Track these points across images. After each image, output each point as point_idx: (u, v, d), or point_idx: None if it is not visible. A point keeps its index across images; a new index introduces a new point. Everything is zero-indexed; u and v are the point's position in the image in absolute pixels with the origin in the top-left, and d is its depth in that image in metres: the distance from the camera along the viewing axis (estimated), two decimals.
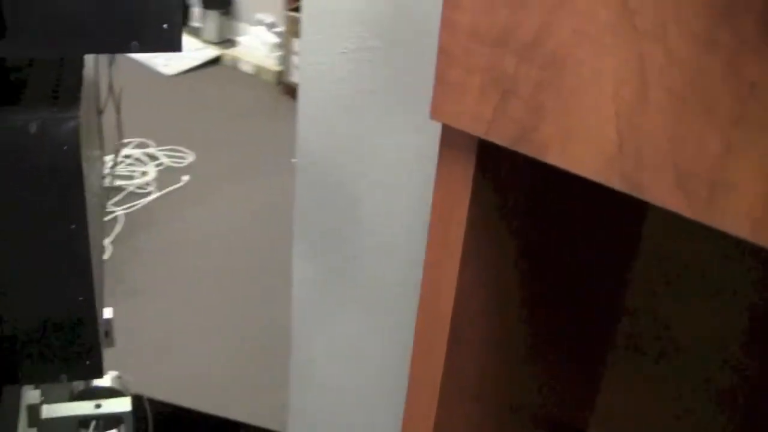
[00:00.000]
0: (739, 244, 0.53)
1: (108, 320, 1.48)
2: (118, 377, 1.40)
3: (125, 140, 3.75)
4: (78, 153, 0.83)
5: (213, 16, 5.07)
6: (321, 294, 1.60)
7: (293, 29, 4.28)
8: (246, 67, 4.84)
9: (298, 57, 1.54)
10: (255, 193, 3.43)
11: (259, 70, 4.77)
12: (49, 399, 1.26)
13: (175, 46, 0.82)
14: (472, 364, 0.84)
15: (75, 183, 0.85)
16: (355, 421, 1.66)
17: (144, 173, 3.57)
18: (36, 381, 1.06)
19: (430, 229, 0.75)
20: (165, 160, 3.70)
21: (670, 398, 1.13)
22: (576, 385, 1.10)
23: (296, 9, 3.71)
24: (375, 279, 1.50)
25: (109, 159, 3.57)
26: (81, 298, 0.90)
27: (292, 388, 1.74)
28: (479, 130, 0.65)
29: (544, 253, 0.86)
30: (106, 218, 3.20)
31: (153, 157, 3.70)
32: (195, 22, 5.25)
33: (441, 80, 0.65)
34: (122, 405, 1.30)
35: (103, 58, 1.35)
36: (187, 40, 5.07)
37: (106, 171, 3.46)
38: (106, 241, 3.05)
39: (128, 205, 3.32)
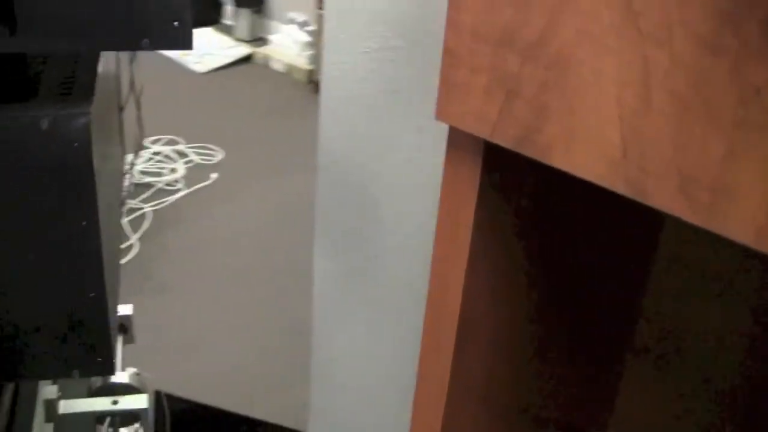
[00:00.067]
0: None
1: (128, 317, 1.49)
2: (137, 374, 1.40)
3: (155, 137, 3.78)
4: (89, 150, 0.83)
5: (245, 14, 5.10)
6: (342, 293, 1.60)
7: None
8: (277, 66, 4.86)
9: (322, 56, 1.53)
10: (283, 192, 3.43)
11: (291, 68, 4.78)
12: (66, 394, 1.26)
13: (185, 45, 0.81)
14: (480, 365, 0.83)
15: (86, 180, 0.85)
16: (375, 421, 1.65)
17: (173, 170, 3.59)
18: (48, 376, 1.07)
19: (437, 231, 0.74)
20: (194, 158, 3.72)
21: (687, 404, 1.12)
22: (590, 389, 1.08)
23: None
24: (395, 278, 1.49)
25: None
26: (92, 295, 0.90)
27: (313, 387, 1.74)
28: (484, 132, 0.64)
29: (555, 255, 0.85)
30: (134, 215, 3.23)
31: (182, 155, 3.72)
32: (227, 20, 5.28)
33: (446, 81, 0.65)
34: (139, 402, 1.30)
35: (125, 54, 1.35)
36: (219, 38, 5.11)
37: (131, 167, 3.48)
38: (134, 238, 3.07)
39: (157, 202, 3.34)
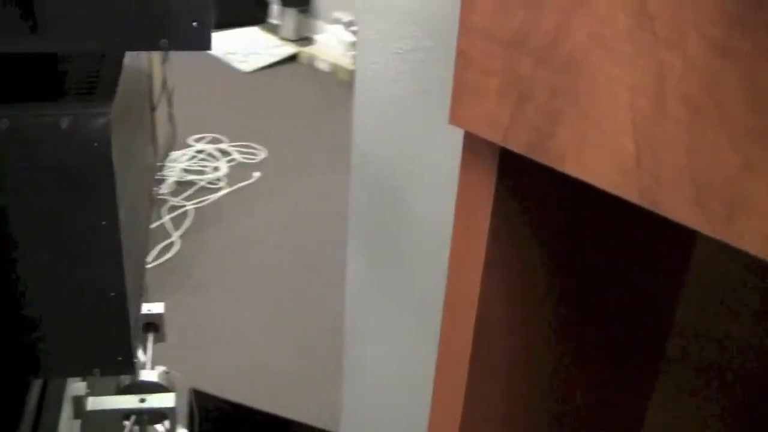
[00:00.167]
0: None
1: (159, 315, 1.49)
2: (166, 372, 1.40)
3: (198, 135, 3.81)
4: (109, 150, 0.83)
5: (291, 13, 5.12)
6: (373, 293, 1.59)
7: None
8: (322, 65, 4.87)
9: (355, 57, 1.53)
10: (325, 191, 3.43)
11: (335, 68, 4.78)
12: (95, 391, 1.27)
13: (204, 45, 0.81)
14: (499, 375, 0.81)
15: (105, 180, 0.85)
16: (406, 421, 1.64)
17: (216, 169, 3.61)
18: (68, 374, 1.07)
19: (453, 237, 0.72)
20: (237, 156, 3.73)
21: (720, 417, 1.09)
22: (618, 403, 1.06)
23: None
24: (426, 279, 1.48)
25: (179, 154, 3.63)
26: (112, 294, 0.90)
27: (345, 387, 1.74)
28: (497, 137, 0.62)
29: (579, 264, 0.83)
30: (175, 213, 3.25)
31: (225, 153, 3.75)
32: (273, 20, 5.30)
33: (459, 84, 0.63)
34: (167, 401, 1.30)
35: (158, 53, 1.36)
36: (264, 37, 5.13)
37: (180, 165, 3.51)
38: (175, 235, 3.09)
39: (199, 200, 3.36)
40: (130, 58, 1.08)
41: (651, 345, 1.08)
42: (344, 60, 4.75)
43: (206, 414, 1.91)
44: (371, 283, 1.59)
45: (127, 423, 1.27)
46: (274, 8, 5.33)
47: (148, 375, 1.35)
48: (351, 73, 4.68)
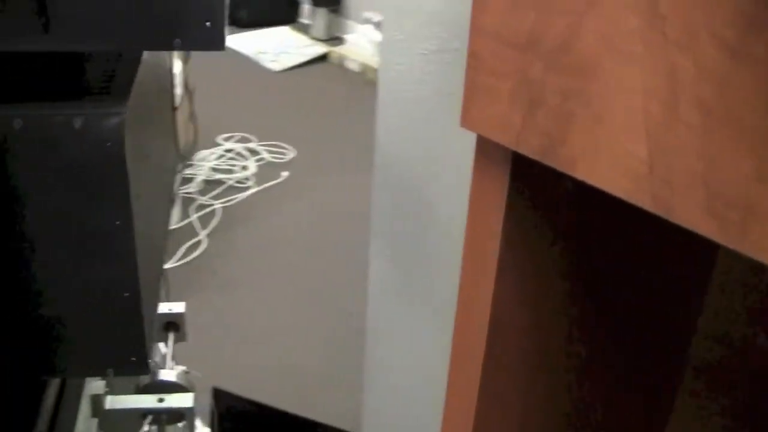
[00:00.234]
0: None
1: (180, 315, 1.49)
2: (186, 372, 1.40)
3: (227, 134, 3.82)
4: (122, 149, 0.83)
5: (322, 13, 5.12)
6: (395, 294, 1.58)
7: None
8: (352, 66, 4.86)
9: (379, 57, 1.52)
10: (354, 191, 3.42)
11: (366, 68, 4.77)
12: (114, 390, 1.27)
13: (217, 45, 0.80)
14: (513, 382, 0.80)
15: (119, 180, 0.84)
16: (427, 422, 1.63)
17: (244, 168, 3.62)
18: (81, 374, 1.07)
19: (465, 242, 0.71)
20: (266, 156, 3.74)
21: (743, 427, 1.06)
22: (639, 412, 1.04)
23: None
24: (449, 281, 1.46)
25: (208, 152, 3.64)
26: (126, 295, 0.90)
27: (366, 388, 1.73)
28: (509, 140, 0.61)
29: (598, 269, 0.81)
30: (203, 211, 3.25)
31: (254, 152, 3.75)
32: (304, 19, 5.30)
33: (470, 86, 0.62)
34: (185, 401, 1.30)
35: (179, 53, 1.36)
36: (295, 36, 5.14)
37: (208, 164, 3.52)
38: (202, 234, 3.10)
39: (226, 199, 3.36)
40: (150, 57, 1.08)
41: (672, 351, 1.06)
42: (374, 60, 4.74)
43: (227, 414, 1.91)
44: (393, 283, 1.59)
45: (145, 422, 1.27)
46: (305, 8, 5.34)
47: (167, 375, 1.35)
48: None
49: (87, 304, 0.90)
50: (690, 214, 0.51)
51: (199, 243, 3.05)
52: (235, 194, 3.42)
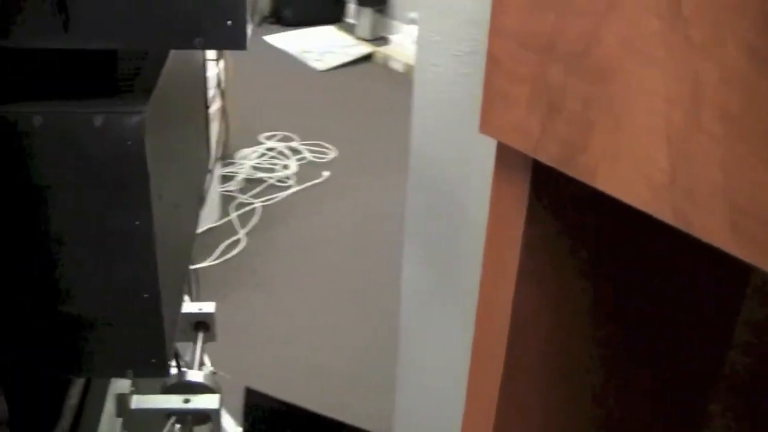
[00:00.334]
0: None
1: (210, 315, 1.48)
2: (213, 373, 1.39)
3: (270, 133, 3.82)
4: (142, 148, 0.82)
5: (367, 13, 5.10)
6: (428, 295, 1.57)
7: None
8: (396, 66, 4.84)
9: (415, 58, 1.51)
10: (394, 192, 3.39)
11: (409, 69, 4.74)
12: (140, 389, 1.27)
13: (239, 44, 0.79)
14: (535, 392, 0.77)
15: (139, 179, 0.83)
16: (459, 424, 1.61)
17: (285, 167, 3.62)
18: (101, 375, 1.07)
19: (485, 249, 0.69)
20: (307, 155, 3.73)
21: None
22: (669, 426, 1.01)
23: None
24: (479, 283, 1.44)
25: (250, 151, 3.65)
26: (146, 296, 0.89)
27: (398, 389, 1.71)
28: (528, 148, 0.58)
29: (619, 278, 0.78)
30: (243, 210, 3.26)
31: (296, 151, 3.75)
32: (350, 19, 5.30)
33: (489, 90, 0.60)
34: (211, 402, 1.29)
35: (211, 53, 1.35)
36: (340, 36, 5.13)
37: (249, 162, 3.52)
38: (242, 233, 3.10)
39: (267, 198, 3.36)
40: (180, 55, 1.07)
41: (705, 363, 1.03)
42: None
43: (260, 413, 1.91)
44: (426, 284, 1.57)
45: (168, 423, 1.26)
46: (351, 7, 5.33)
47: (194, 375, 1.35)
48: None
49: (106, 304, 0.89)
50: (711, 229, 0.48)
51: (238, 241, 3.06)
52: (276, 193, 3.42)
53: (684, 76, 0.47)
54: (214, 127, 1.34)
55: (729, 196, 0.46)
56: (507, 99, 0.59)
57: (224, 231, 3.10)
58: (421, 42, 1.44)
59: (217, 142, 1.29)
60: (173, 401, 1.27)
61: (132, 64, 0.92)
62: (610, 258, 0.74)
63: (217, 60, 1.31)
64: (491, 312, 0.71)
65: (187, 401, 1.27)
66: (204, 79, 1.30)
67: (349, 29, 5.26)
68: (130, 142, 0.81)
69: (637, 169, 0.51)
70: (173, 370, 1.39)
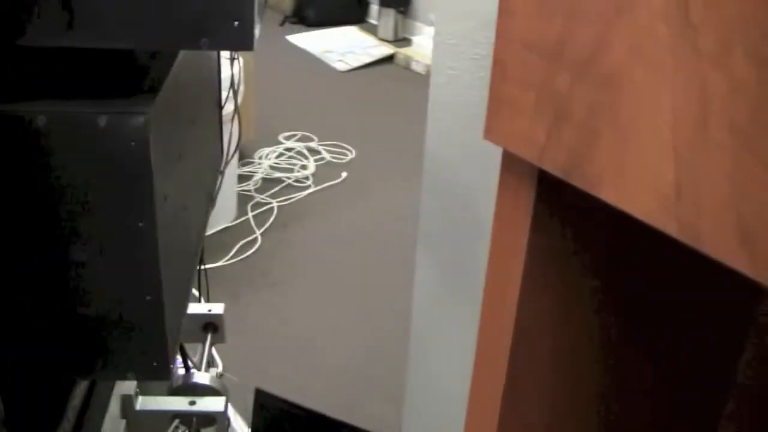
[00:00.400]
0: None
1: (219, 316, 1.47)
2: (220, 375, 1.38)
3: (289, 133, 3.82)
4: (146, 149, 0.81)
5: (390, 14, 5.09)
6: (441, 297, 1.56)
7: None
8: (417, 67, 4.83)
9: (431, 61, 1.50)
10: (411, 194, 3.38)
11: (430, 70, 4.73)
12: (146, 391, 1.26)
13: (246, 45, 0.78)
14: (538, 403, 0.76)
15: (143, 180, 0.82)
16: None
17: (303, 167, 3.61)
18: (102, 377, 1.06)
19: (489, 257, 0.67)
20: (326, 156, 3.72)
21: None
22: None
23: None
24: None
25: (269, 150, 3.64)
26: (148, 298, 0.88)
27: (408, 391, 1.70)
28: (533, 156, 0.57)
29: (629, 287, 0.77)
30: (260, 210, 3.25)
31: (314, 152, 3.74)
32: (372, 19, 5.29)
33: (495, 96, 0.58)
34: (217, 405, 1.28)
35: (225, 53, 1.34)
36: (362, 36, 5.12)
37: (267, 162, 3.52)
38: (258, 232, 3.10)
39: (284, 198, 3.35)
40: (192, 56, 1.06)
41: (716, 373, 1.00)
42: None
43: (270, 415, 1.90)
44: (439, 286, 1.56)
45: (172, 425, 1.25)
46: (374, 8, 5.32)
47: (200, 377, 1.34)
48: None
49: (108, 305, 0.88)
50: (719, 244, 0.46)
51: (254, 241, 3.05)
52: (293, 193, 3.41)
53: (692, 86, 0.45)
54: (228, 128, 1.33)
55: (737, 210, 0.45)
56: (512, 106, 0.57)
57: (240, 230, 3.10)
58: (437, 45, 1.43)
59: (231, 142, 1.28)
60: (178, 403, 1.26)
61: (141, 63, 0.91)
62: (616, 266, 0.73)
63: (233, 60, 1.30)
64: (495, 319, 0.70)
65: (192, 403, 1.27)
66: (217, 80, 1.30)
67: (372, 30, 5.25)
68: (134, 143, 0.80)
69: (642, 180, 0.50)
70: (181, 371, 1.39)
